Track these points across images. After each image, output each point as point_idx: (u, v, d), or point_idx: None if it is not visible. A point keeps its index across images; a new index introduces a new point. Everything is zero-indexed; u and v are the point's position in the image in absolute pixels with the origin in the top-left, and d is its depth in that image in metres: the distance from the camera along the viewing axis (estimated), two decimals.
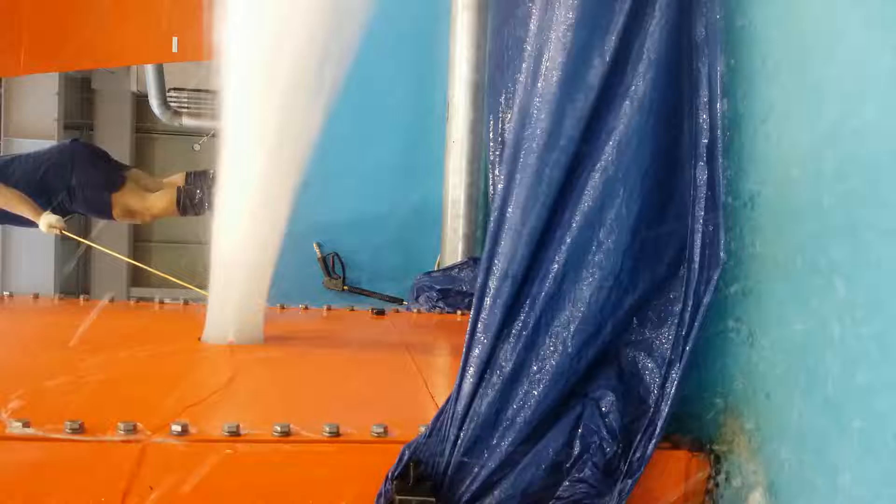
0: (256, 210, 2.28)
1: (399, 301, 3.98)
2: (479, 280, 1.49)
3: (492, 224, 1.50)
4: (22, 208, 3.84)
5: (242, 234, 2.31)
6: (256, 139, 2.21)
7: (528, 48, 1.51)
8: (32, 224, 3.91)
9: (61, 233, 3.86)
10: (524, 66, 1.51)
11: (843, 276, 1.17)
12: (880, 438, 1.09)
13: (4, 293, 3.13)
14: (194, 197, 4.19)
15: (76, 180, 4.07)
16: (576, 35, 1.43)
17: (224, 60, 2.16)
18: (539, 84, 1.48)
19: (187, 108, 7.10)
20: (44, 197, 3.96)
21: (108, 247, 4.52)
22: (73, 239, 4.10)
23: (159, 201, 4.21)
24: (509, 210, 1.48)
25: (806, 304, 1.26)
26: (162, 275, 3.94)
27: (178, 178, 4.35)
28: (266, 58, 2.15)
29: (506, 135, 1.50)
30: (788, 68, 1.33)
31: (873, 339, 1.11)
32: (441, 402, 1.49)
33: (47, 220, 3.82)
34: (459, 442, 1.41)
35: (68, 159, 4.13)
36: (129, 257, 6.13)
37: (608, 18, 1.43)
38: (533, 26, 1.51)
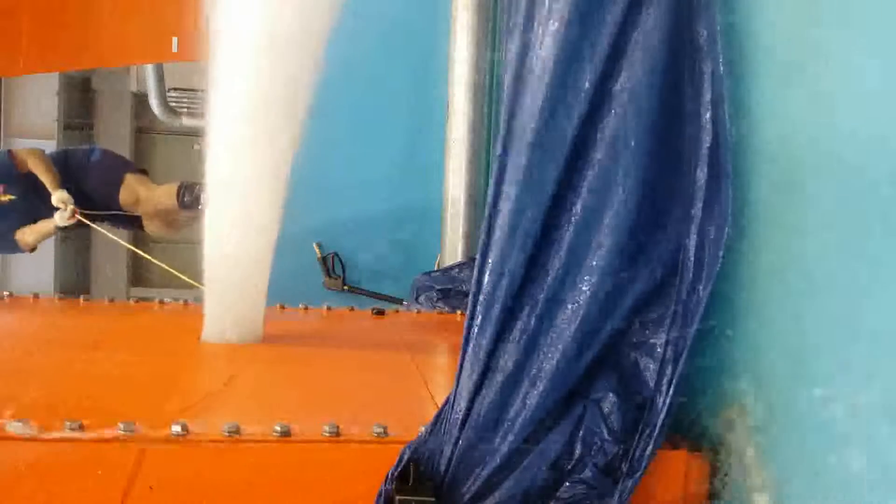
0: (247, 206, 2.28)
1: (399, 301, 3.97)
2: (475, 279, 1.48)
3: (485, 222, 1.48)
4: (45, 176, 4.15)
5: (235, 232, 2.31)
6: (243, 135, 2.22)
7: (516, 44, 1.48)
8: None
9: (75, 215, 4.08)
10: (512, 60, 1.48)
11: (844, 275, 1.17)
12: (883, 439, 1.09)
13: (4, 293, 3.12)
14: (194, 190, 4.32)
15: (97, 157, 4.51)
16: (568, 30, 1.41)
17: (212, 59, 2.17)
18: (530, 82, 1.45)
19: (187, 108, 7.10)
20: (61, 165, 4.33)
21: (111, 234, 4.60)
22: (85, 223, 4.19)
23: (162, 192, 4.49)
24: (504, 208, 1.46)
25: (807, 304, 1.26)
26: (166, 267, 3.95)
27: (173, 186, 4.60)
28: (252, 56, 2.15)
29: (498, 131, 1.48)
30: (794, 72, 1.33)
31: (875, 339, 1.11)
32: (441, 402, 1.48)
33: (60, 195, 4.09)
34: (460, 442, 1.41)
35: (91, 147, 4.70)
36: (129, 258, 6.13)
37: (602, 14, 1.41)
38: (520, 20, 1.47)
